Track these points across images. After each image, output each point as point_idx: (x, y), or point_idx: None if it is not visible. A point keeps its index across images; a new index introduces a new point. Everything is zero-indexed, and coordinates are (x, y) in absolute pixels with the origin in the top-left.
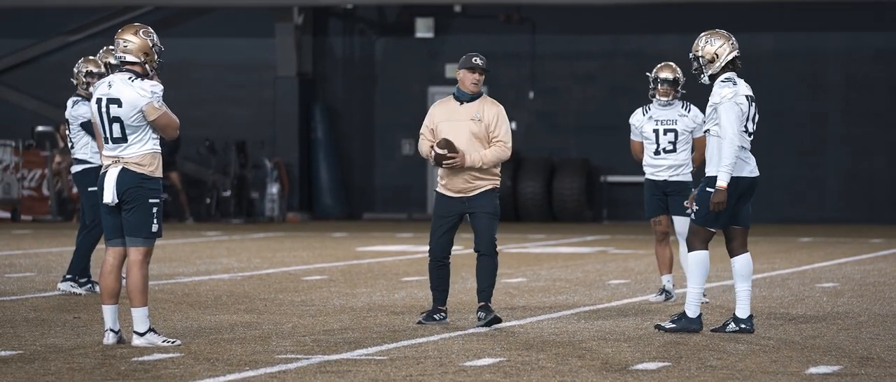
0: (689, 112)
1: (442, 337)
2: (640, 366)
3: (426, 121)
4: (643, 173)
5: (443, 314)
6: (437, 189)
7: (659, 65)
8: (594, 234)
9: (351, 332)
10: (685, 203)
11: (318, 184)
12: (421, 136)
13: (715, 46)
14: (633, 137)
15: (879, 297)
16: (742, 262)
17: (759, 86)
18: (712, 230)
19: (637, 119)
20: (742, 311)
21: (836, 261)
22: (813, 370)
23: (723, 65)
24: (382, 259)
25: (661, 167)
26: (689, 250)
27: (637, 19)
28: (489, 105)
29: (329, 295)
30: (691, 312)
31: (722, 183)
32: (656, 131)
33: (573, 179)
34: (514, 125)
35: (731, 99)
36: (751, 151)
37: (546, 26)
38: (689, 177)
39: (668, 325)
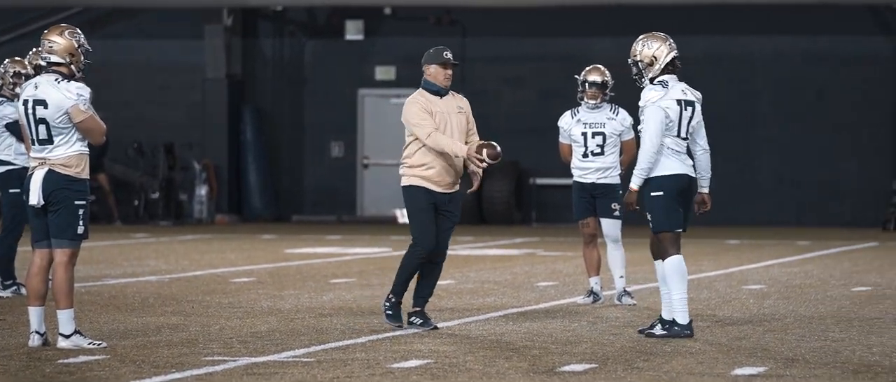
0: (617, 115)
1: (369, 339)
2: (567, 368)
3: (423, 115)
4: (572, 176)
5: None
6: (415, 182)
7: (587, 68)
8: (523, 236)
9: (278, 334)
10: (613, 205)
11: (246, 185)
12: (432, 130)
13: (652, 49)
14: (561, 140)
15: (805, 299)
16: None
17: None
18: (679, 231)
19: (565, 122)
20: (668, 313)
21: (764, 264)
22: (739, 371)
23: (662, 67)
24: (311, 261)
25: (589, 169)
26: (663, 259)
27: (567, 22)
28: (461, 98)
29: (257, 297)
30: (682, 319)
31: (633, 185)
32: (584, 134)
33: (502, 182)
34: None
35: (656, 102)
36: (686, 154)
37: (476, 29)
38: (617, 180)
39: (659, 331)
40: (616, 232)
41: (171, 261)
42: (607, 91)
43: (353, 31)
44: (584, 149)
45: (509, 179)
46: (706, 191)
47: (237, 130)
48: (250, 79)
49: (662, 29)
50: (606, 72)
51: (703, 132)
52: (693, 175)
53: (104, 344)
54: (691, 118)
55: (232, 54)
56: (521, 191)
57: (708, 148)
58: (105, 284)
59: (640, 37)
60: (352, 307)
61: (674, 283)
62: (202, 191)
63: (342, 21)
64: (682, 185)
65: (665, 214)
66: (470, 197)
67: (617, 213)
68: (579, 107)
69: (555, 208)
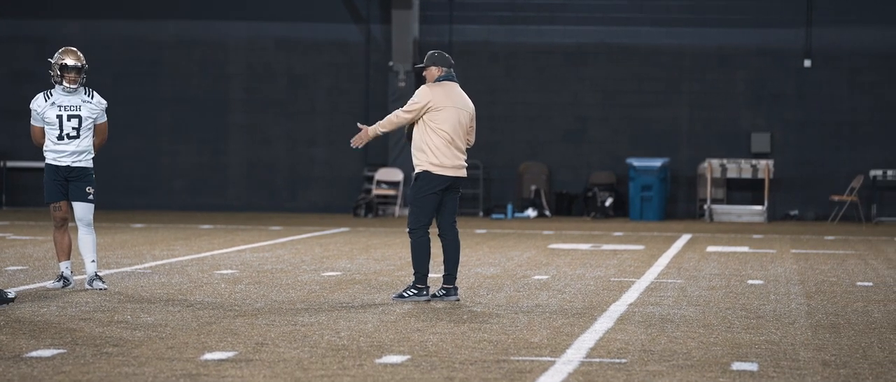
0: (92, 98)
1: None
2: (34, 354)
3: None
4: (44, 158)
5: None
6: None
7: (62, 50)
8: None
9: None
10: (87, 189)
11: None
12: None
13: None
14: (33, 123)
15: (276, 284)
16: None
17: (162, 74)
18: None
19: (39, 104)
20: None
21: (236, 248)
22: (209, 355)
23: None
24: None
25: (64, 153)
26: None
27: (38, 3)
28: None
29: None
30: None
31: None
32: (60, 117)
33: None
34: None
35: None
36: None
37: None
38: (91, 163)
39: None
40: (89, 216)
41: None
42: (83, 74)
43: None
44: (58, 131)
45: None
46: None
47: None
48: None
49: (133, 13)
50: (81, 55)
51: None
52: None
53: None
54: None
55: None
56: None
57: None
58: None
59: None
60: None
61: None
62: None
63: None
64: None
65: None
66: None
67: (91, 197)
68: (53, 90)
69: (26, 191)
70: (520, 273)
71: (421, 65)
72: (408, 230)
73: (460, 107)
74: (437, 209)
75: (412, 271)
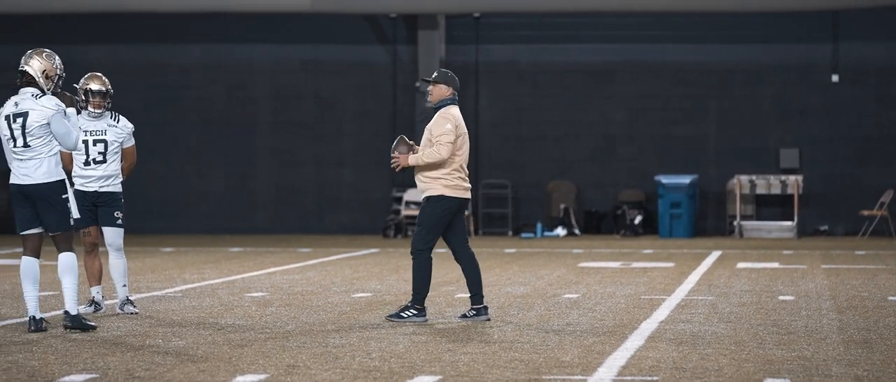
0: (118, 122)
1: None
2: (67, 379)
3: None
4: (72, 184)
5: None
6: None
7: (87, 76)
8: None
9: None
10: (115, 213)
11: None
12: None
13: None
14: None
15: (307, 306)
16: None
17: (188, 98)
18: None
19: None
20: (72, 306)
21: (266, 271)
22: (240, 378)
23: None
24: None
25: (91, 178)
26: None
27: (65, 28)
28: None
29: None
30: (73, 309)
31: None
32: (86, 142)
33: (3, 191)
34: None
35: None
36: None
37: None
38: (119, 188)
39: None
40: (118, 240)
41: None
42: (108, 99)
43: None
44: (86, 157)
45: (4, 189)
46: None
47: None
48: None
49: (158, 37)
50: (106, 80)
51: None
52: (23, 183)
53: None
54: (24, 127)
55: None
56: None
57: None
58: None
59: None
60: None
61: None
62: None
63: None
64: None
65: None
66: None
67: (120, 222)
68: (80, 115)
69: None
70: (550, 292)
71: (428, 80)
72: (413, 251)
73: (466, 130)
74: (444, 231)
75: (412, 291)
